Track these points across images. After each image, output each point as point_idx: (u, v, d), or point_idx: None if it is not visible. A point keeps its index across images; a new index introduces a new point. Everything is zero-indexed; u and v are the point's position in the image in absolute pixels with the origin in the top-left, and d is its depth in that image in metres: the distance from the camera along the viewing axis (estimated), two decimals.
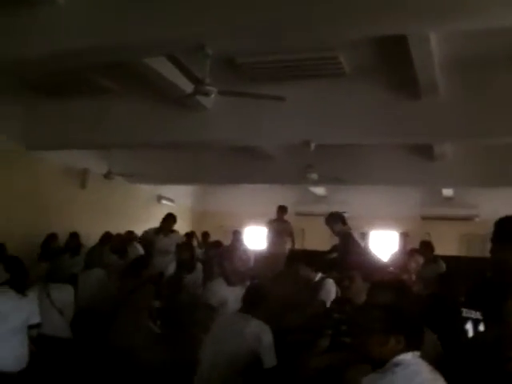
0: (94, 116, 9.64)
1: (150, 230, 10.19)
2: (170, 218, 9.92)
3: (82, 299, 7.02)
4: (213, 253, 10.01)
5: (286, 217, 11.97)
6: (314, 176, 11.13)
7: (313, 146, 9.49)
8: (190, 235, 11.84)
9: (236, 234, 12.60)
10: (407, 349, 2.80)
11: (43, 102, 9.44)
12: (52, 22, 5.97)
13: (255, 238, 15.72)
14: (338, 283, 5.69)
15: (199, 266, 8.37)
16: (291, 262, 7.44)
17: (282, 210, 11.87)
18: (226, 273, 6.73)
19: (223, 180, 14.13)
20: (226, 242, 11.64)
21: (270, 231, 11.84)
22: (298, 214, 15.42)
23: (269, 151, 11.89)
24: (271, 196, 14.09)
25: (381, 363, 2.78)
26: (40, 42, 6.07)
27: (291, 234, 11.70)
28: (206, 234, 13.37)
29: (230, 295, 6.25)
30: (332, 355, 4.22)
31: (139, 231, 11.79)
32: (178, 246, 8.67)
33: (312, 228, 13.79)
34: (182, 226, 10.19)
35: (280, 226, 11.74)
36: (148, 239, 9.97)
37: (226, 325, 5.13)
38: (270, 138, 9.73)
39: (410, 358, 2.79)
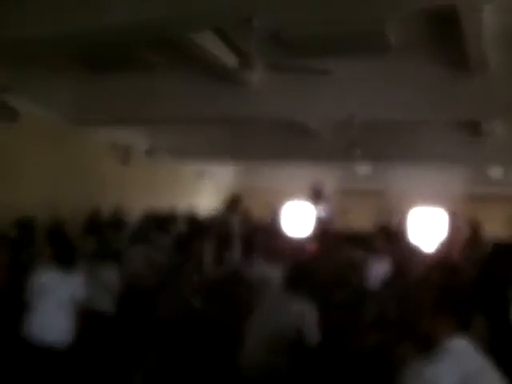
0: (140, 92, 9.66)
1: (222, 211, 10.16)
2: (238, 199, 9.97)
3: (127, 275, 7.12)
4: (254, 230, 9.91)
5: (327, 194, 11.88)
6: (359, 153, 11.03)
7: (357, 121, 9.35)
8: None
9: (276, 213, 12.52)
10: (457, 329, 2.80)
11: (90, 78, 9.49)
12: None
13: (299, 215, 15.57)
14: (399, 263, 5.67)
15: (237, 242, 8.46)
16: (327, 241, 7.47)
17: (315, 188, 11.81)
18: (267, 251, 6.81)
19: (267, 158, 14.04)
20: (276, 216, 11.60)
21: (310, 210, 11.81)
22: (342, 191, 15.20)
23: (313, 128, 11.71)
24: (316, 171, 13.99)
25: (429, 343, 2.79)
26: (85, 17, 6.07)
27: (330, 213, 11.62)
28: (246, 211, 13.24)
29: (271, 272, 6.34)
30: (378, 334, 4.23)
31: (182, 207, 11.88)
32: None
33: (356, 206, 13.67)
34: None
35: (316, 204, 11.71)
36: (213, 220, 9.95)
37: (272, 302, 5.22)
38: (314, 113, 9.60)
39: (459, 344, 2.78)
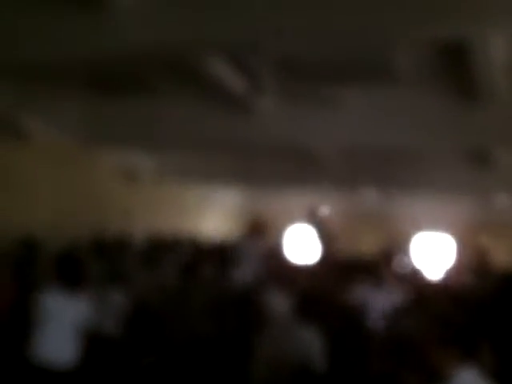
0: (147, 116, 9.69)
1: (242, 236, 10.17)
2: (260, 225, 9.98)
3: (134, 298, 7.12)
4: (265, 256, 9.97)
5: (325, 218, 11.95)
6: (364, 180, 11.05)
7: (364, 149, 9.46)
8: None
9: (283, 238, 12.49)
10: (464, 360, 2.80)
11: (99, 99, 9.48)
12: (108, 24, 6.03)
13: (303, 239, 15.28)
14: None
15: (245, 264, 8.52)
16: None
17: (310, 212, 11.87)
18: (277, 276, 6.85)
19: (273, 182, 14.12)
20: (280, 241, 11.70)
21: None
22: (348, 216, 15.28)
23: (319, 155, 11.72)
24: (322, 196, 14.05)
25: (436, 374, 2.80)
26: (98, 40, 6.13)
27: (330, 238, 11.58)
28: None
29: (279, 298, 6.36)
30: (391, 360, 4.25)
31: (187, 229, 11.95)
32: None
33: (362, 231, 13.85)
34: (231, 226, 10.15)
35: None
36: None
37: (279, 328, 5.26)
38: (322, 141, 9.69)
39: (467, 375, 2.78)
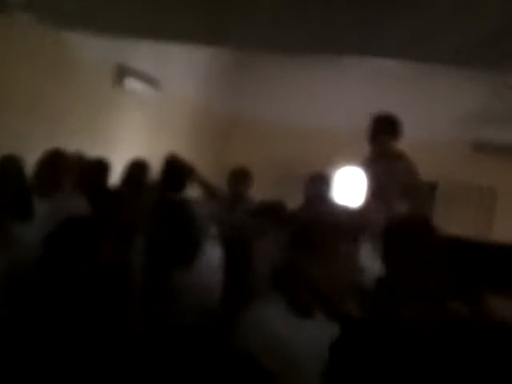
0: None
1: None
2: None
3: None
4: (261, 226, 8.78)
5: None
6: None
7: None
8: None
9: (316, 184, 10.84)
10: None
11: None
12: None
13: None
14: None
15: (213, 251, 7.28)
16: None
17: (385, 127, 10.05)
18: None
19: (280, 44, 12.17)
20: (292, 198, 9.99)
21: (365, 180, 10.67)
22: (480, 146, 14.29)
23: None
24: (396, 97, 12.82)
25: None
26: None
27: (408, 189, 9.95)
28: (241, 175, 11.51)
29: (297, 336, 5.24)
30: None
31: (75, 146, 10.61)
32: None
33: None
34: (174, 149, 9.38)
35: (382, 168, 10.21)
36: None
37: None
38: None
39: None
